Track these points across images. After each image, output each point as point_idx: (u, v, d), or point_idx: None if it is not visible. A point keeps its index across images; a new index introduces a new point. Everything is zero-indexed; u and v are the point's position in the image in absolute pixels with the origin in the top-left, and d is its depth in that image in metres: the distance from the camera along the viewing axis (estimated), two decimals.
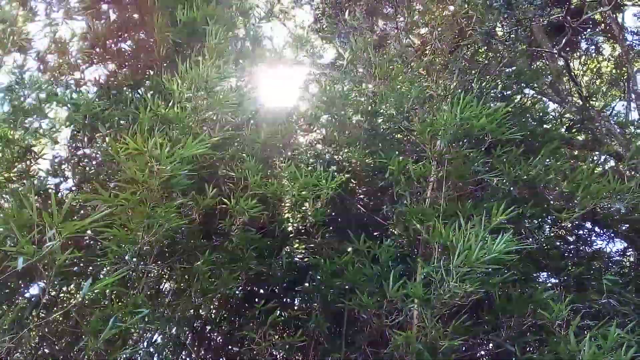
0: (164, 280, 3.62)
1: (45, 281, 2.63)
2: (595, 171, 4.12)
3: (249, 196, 3.45)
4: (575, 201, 3.95)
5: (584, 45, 8.09)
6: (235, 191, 3.51)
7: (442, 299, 3.48)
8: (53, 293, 3.50)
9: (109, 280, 2.63)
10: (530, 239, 4.53)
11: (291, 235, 4.07)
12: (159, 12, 3.90)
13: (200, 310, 3.47)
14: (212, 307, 3.44)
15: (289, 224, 3.97)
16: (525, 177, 3.73)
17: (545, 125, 5.09)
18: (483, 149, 3.91)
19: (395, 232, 4.16)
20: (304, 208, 3.78)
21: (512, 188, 4.13)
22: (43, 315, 3.25)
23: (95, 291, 3.19)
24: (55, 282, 3.22)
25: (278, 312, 3.68)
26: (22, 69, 3.63)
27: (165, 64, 4.01)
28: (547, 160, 3.95)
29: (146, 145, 2.72)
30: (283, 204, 3.90)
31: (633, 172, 5.16)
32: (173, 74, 3.43)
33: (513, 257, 3.07)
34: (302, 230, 4.12)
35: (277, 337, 3.76)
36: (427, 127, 3.69)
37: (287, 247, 3.99)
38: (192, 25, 3.91)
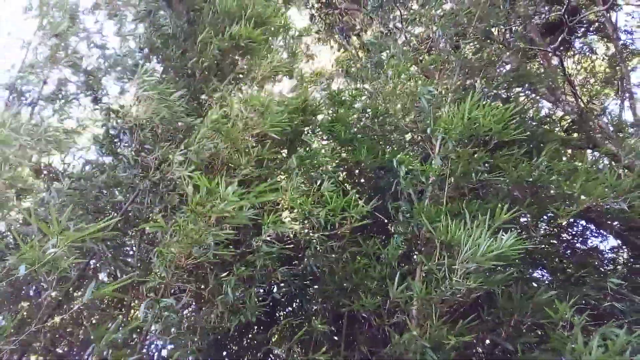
0: (188, 292, 3.60)
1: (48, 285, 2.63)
2: (592, 169, 4.19)
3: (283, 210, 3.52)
4: (573, 200, 4.00)
5: (577, 44, 8.16)
6: (266, 204, 3.55)
7: (443, 295, 3.51)
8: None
9: (113, 286, 2.63)
10: (527, 237, 4.58)
11: (315, 248, 4.06)
12: (207, 25, 3.98)
13: (222, 322, 3.46)
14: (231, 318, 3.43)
15: (314, 238, 3.97)
16: (529, 178, 3.76)
17: (544, 126, 5.14)
18: (486, 149, 3.93)
19: (398, 230, 4.16)
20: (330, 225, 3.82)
21: (510, 188, 4.18)
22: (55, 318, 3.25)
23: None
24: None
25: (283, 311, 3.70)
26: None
27: (207, 75, 4.07)
28: (547, 161, 3.99)
29: (219, 186, 2.81)
30: (310, 221, 3.90)
31: (627, 171, 5.24)
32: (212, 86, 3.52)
33: (518, 255, 3.11)
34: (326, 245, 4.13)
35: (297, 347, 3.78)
36: (437, 127, 3.72)
37: (308, 254, 3.98)
38: (236, 40, 4.01)
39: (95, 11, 3.82)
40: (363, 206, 3.69)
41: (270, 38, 4.33)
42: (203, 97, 4.06)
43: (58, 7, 3.45)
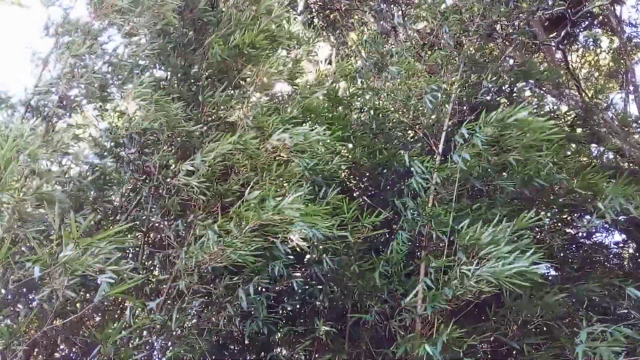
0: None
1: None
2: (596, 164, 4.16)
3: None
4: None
5: (581, 37, 8.09)
6: None
7: (452, 295, 3.48)
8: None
9: (125, 287, 2.63)
10: (534, 236, 4.54)
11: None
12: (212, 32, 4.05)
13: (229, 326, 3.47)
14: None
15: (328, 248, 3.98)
16: (537, 176, 3.72)
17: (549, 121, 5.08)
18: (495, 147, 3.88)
19: (403, 227, 4.11)
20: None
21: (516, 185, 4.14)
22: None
23: None
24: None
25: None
26: None
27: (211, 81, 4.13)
28: (555, 157, 3.94)
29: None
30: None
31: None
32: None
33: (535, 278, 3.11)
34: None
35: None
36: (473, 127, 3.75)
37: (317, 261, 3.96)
38: (241, 48, 4.05)
39: (110, 29, 3.81)
40: (381, 213, 3.73)
41: (276, 47, 4.34)
42: (204, 101, 4.03)
43: (75, 26, 3.49)
